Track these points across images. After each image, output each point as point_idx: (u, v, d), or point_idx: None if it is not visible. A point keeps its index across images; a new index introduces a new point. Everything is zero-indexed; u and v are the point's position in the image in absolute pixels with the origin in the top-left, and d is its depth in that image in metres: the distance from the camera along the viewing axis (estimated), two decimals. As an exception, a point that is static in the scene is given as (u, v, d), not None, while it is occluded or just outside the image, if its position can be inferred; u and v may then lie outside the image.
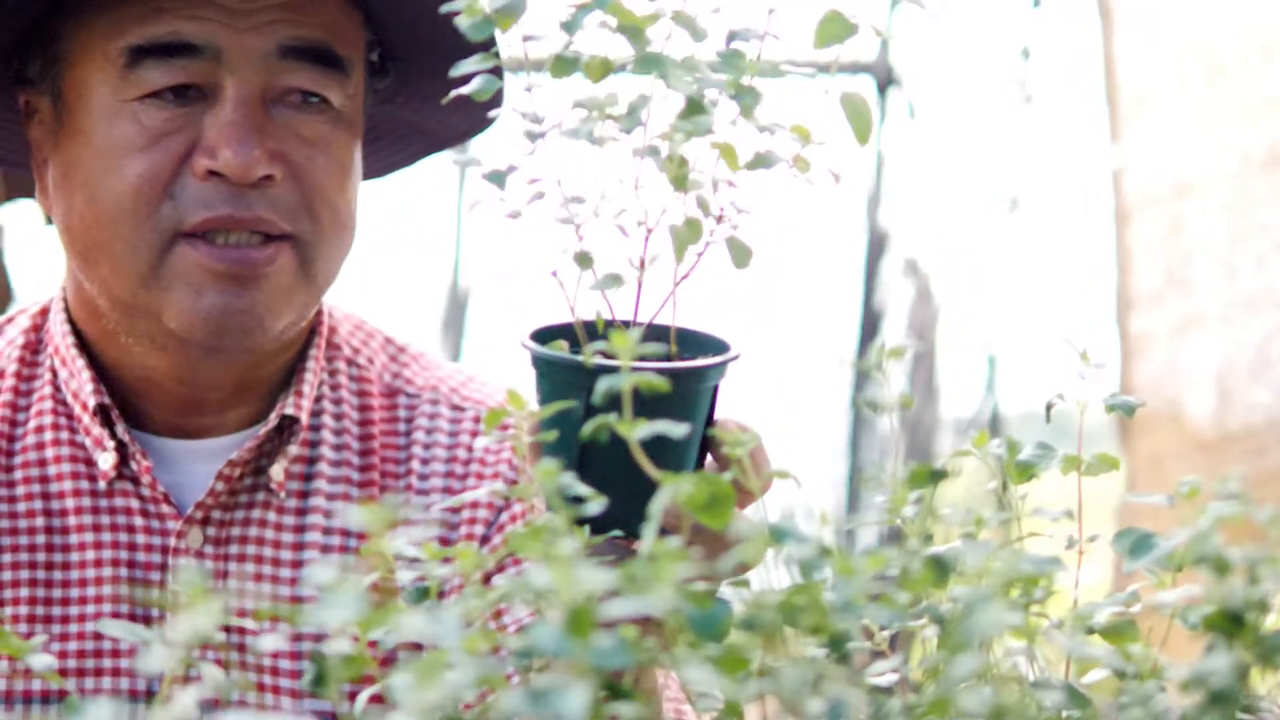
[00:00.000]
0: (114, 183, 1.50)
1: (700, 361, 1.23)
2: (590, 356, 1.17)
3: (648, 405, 1.04)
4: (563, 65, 1.15)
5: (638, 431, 1.00)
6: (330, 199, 1.53)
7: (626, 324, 1.23)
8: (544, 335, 1.25)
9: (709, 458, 1.27)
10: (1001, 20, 5.66)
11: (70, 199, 1.54)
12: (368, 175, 1.70)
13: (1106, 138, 5.06)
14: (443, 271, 5.63)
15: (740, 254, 1.20)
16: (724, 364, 1.23)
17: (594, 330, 1.22)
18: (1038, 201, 5.58)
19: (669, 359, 1.22)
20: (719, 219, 1.18)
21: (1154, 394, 4.85)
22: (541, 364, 1.22)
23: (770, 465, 1.25)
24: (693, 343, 1.26)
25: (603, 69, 1.15)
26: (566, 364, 1.20)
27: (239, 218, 1.49)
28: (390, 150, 1.70)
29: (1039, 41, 5.44)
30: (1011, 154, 5.56)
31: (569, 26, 1.14)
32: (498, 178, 1.19)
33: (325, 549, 1.60)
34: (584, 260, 1.19)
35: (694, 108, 1.13)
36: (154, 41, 1.50)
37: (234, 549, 1.59)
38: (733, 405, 1.26)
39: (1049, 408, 1.23)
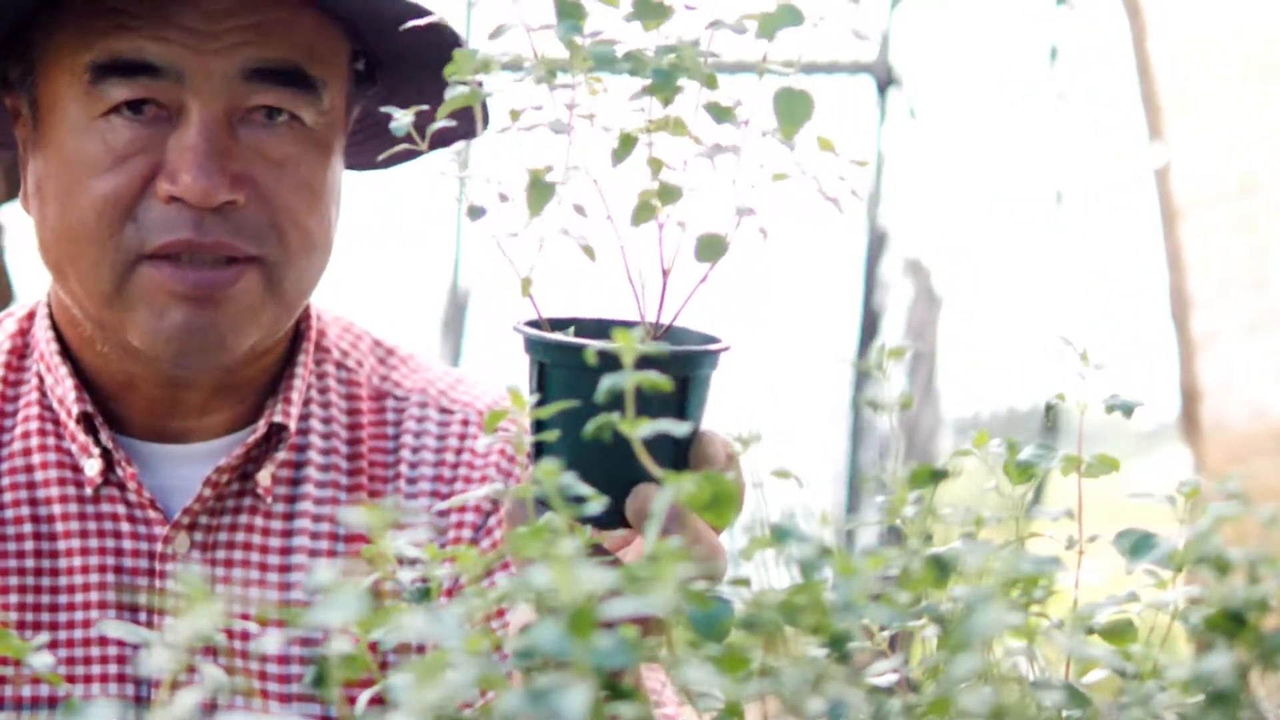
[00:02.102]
0: (79, 201, 1.49)
1: (688, 347, 1.22)
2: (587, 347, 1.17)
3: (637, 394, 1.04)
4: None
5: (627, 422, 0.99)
6: (299, 220, 1.52)
7: (609, 321, 1.23)
8: (537, 326, 1.25)
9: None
10: (1002, 18, 5.66)
11: (43, 210, 1.53)
12: (369, 166, 1.69)
13: (1144, 137, 5.05)
14: (443, 271, 5.64)
15: (708, 248, 1.18)
16: (714, 353, 1.22)
17: (589, 328, 1.23)
18: (1074, 201, 5.57)
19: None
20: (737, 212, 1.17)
21: (1224, 392, 4.84)
22: (529, 345, 1.22)
23: (743, 496, 1.24)
24: (684, 338, 1.25)
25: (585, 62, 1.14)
26: (547, 344, 1.19)
27: (199, 243, 1.48)
28: (389, 146, 1.70)
29: (1060, 40, 5.44)
30: (1014, 154, 5.55)
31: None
32: (475, 214, 1.19)
33: (313, 553, 1.60)
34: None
35: (662, 84, 1.12)
36: (117, 59, 1.48)
37: (221, 554, 1.59)
38: (733, 406, 1.25)
39: (1049, 408, 1.23)
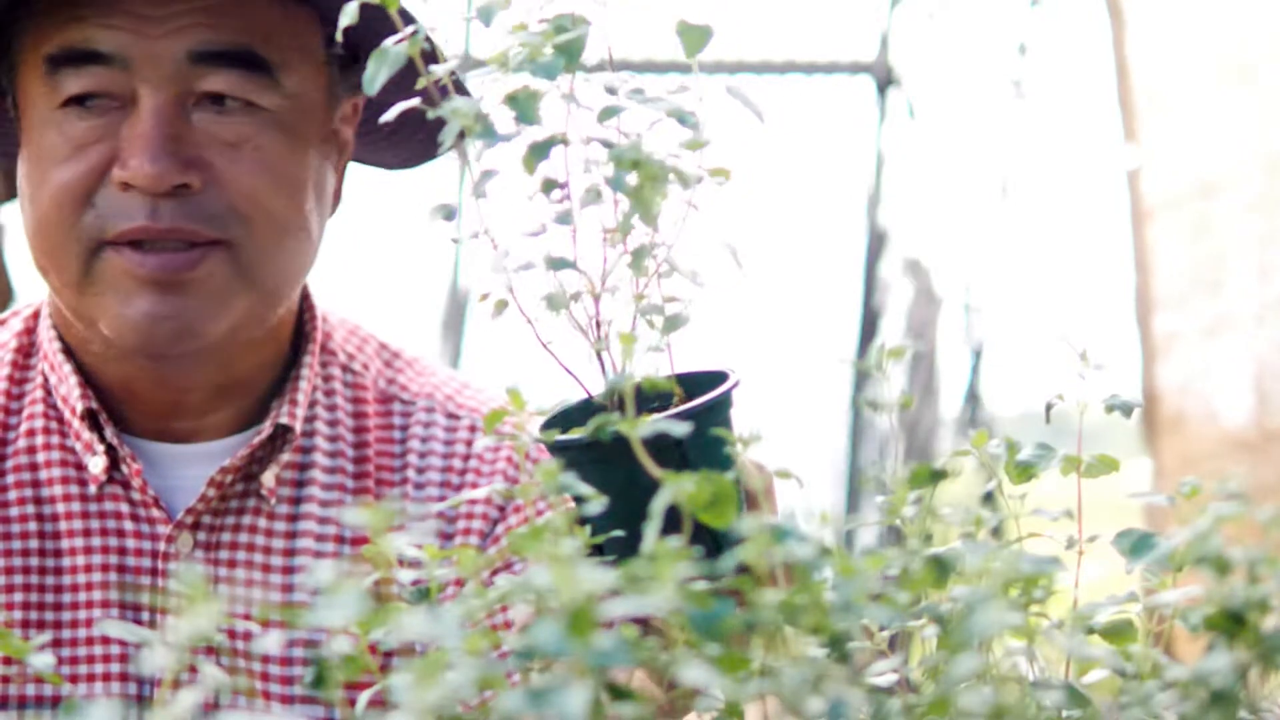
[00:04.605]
0: (42, 194, 1.51)
1: (702, 399, 1.20)
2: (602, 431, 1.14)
3: (663, 457, 1.05)
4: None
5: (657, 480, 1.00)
6: (263, 202, 1.51)
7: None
8: (562, 416, 1.22)
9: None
10: (1003, 18, 5.66)
11: (22, 206, 1.55)
12: (398, 165, 1.68)
13: (1119, 137, 5.05)
14: (443, 271, 5.63)
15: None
16: (728, 393, 1.22)
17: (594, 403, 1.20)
18: (1041, 199, 5.57)
19: (669, 404, 1.20)
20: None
21: (1183, 395, 4.84)
22: (555, 451, 1.20)
23: (777, 506, 1.25)
24: (695, 383, 1.24)
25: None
26: (577, 445, 1.17)
27: (154, 229, 1.48)
28: (410, 140, 1.68)
29: (1040, 39, 5.44)
30: (1013, 152, 5.56)
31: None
32: (447, 212, 1.18)
33: (318, 555, 1.60)
34: (555, 302, 1.17)
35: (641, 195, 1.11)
36: (68, 50, 1.49)
37: (224, 554, 1.59)
38: (734, 407, 1.24)
39: (1049, 408, 1.23)
